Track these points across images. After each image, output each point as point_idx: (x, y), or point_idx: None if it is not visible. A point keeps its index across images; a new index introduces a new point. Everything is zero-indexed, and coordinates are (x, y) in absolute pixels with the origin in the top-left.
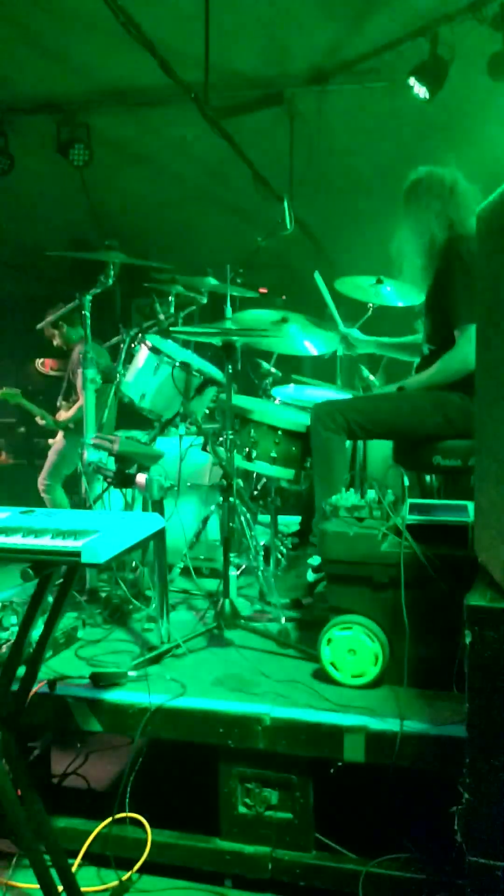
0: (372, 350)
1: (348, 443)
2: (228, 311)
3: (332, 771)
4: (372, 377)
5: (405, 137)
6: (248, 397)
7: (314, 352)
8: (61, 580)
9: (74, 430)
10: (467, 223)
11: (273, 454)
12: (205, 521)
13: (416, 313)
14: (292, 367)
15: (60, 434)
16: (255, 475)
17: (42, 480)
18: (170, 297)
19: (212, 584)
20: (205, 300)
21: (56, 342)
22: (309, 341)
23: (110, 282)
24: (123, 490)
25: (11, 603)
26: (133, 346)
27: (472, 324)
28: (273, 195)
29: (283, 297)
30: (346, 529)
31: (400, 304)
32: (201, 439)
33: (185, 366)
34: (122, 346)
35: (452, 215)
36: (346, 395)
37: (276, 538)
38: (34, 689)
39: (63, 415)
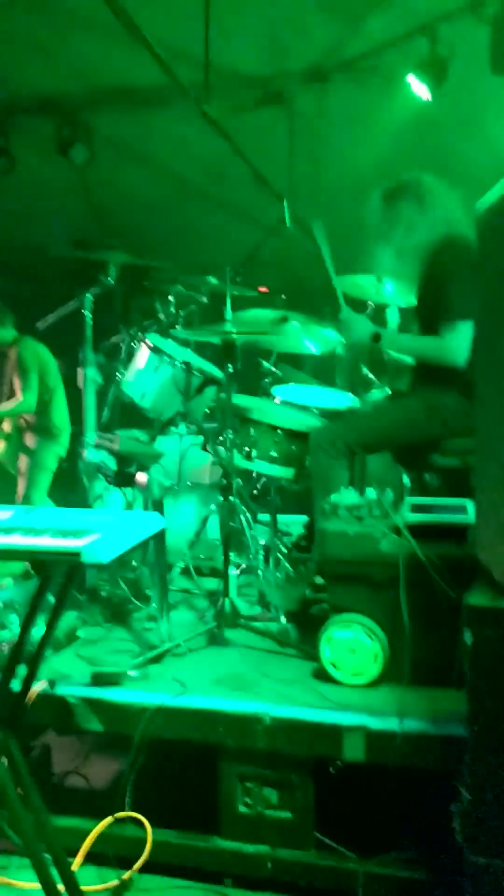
0: (398, 351)
1: None
2: (228, 310)
3: (332, 770)
4: (371, 376)
5: (405, 136)
6: (249, 396)
7: (314, 350)
8: (62, 579)
9: (35, 432)
10: (456, 224)
11: (273, 453)
12: (205, 520)
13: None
14: (292, 366)
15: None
16: (255, 474)
17: (22, 499)
18: (170, 297)
19: (212, 584)
20: (205, 300)
21: None
22: (309, 340)
23: (111, 282)
24: (123, 489)
25: (12, 602)
26: (133, 345)
27: (462, 321)
28: (273, 195)
29: (283, 297)
30: (346, 529)
31: (400, 303)
32: (201, 438)
33: (186, 365)
34: (122, 345)
35: (440, 216)
36: (345, 397)
37: (276, 538)
38: (35, 688)
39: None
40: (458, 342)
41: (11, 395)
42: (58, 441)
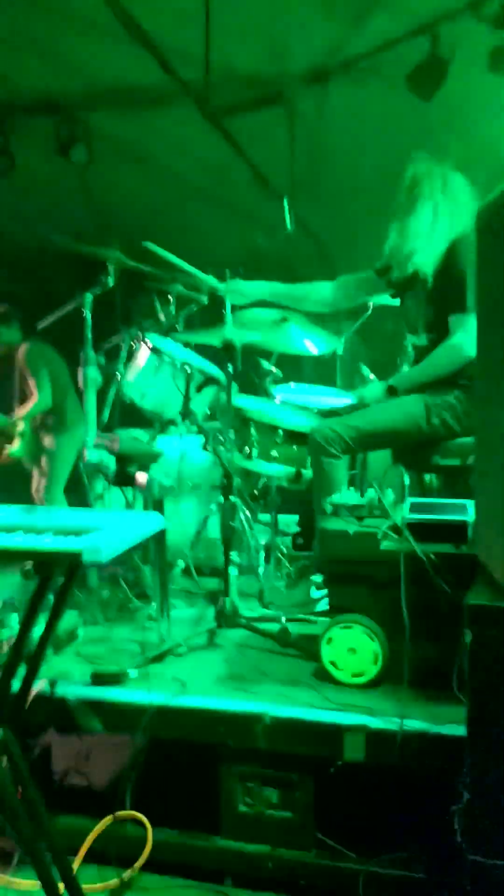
0: (264, 297)
1: None
2: (228, 311)
3: (332, 770)
4: (372, 376)
5: (405, 136)
6: (249, 396)
7: (314, 351)
8: (63, 579)
9: (52, 431)
10: (464, 217)
11: (273, 453)
12: (205, 520)
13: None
14: (292, 366)
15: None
16: (255, 474)
17: (40, 496)
18: (170, 297)
19: (212, 584)
20: (205, 300)
21: None
22: (309, 340)
23: (110, 282)
24: (123, 489)
25: (13, 601)
26: (133, 345)
27: (472, 314)
28: (273, 195)
29: None
30: (347, 528)
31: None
32: (202, 438)
33: (186, 365)
34: (122, 345)
35: (463, 207)
36: (346, 397)
37: (276, 537)
38: (35, 687)
39: (19, 412)
40: (468, 337)
41: (24, 396)
42: (73, 434)
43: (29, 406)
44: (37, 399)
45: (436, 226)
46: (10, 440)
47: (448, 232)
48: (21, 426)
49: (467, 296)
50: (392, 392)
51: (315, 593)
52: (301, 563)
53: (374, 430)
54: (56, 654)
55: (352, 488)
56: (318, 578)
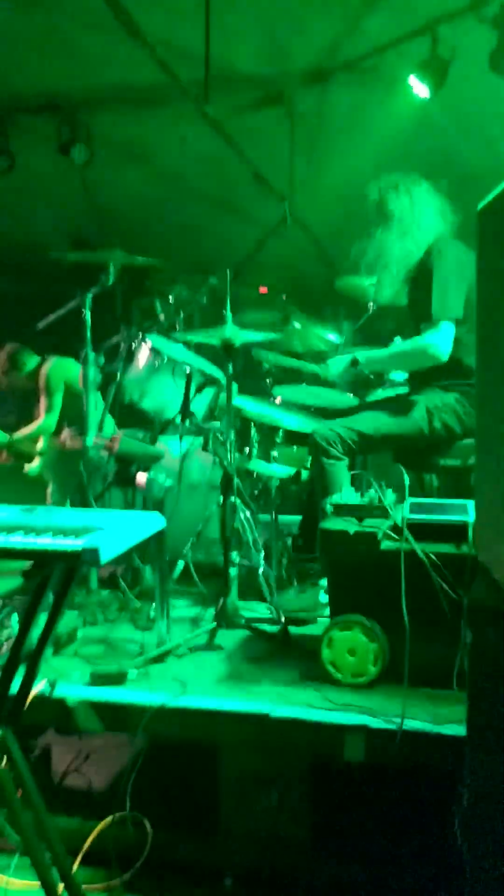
0: (382, 368)
1: None
2: (229, 311)
3: (332, 771)
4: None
5: (405, 136)
6: (249, 397)
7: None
8: (62, 578)
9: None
10: (435, 225)
11: (273, 453)
12: (205, 520)
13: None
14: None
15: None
16: (255, 474)
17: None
18: (170, 297)
19: (212, 584)
20: (205, 300)
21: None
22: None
23: (111, 281)
24: (124, 489)
25: (12, 601)
26: (133, 345)
27: (444, 320)
28: (273, 195)
29: (284, 297)
30: (347, 529)
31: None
32: (201, 439)
33: (186, 365)
34: (122, 345)
35: (421, 222)
36: (345, 399)
37: (276, 538)
38: (35, 688)
39: (23, 431)
40: (437, 340)
41: (35, 416)
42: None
43: (31, 428)
44: (41, 422)
45: (406, 239)
46: (29, 459)
47: (418, 241)
48: (40, 444)
49: (434, 304)
50: (355, 364)
51: (324, 597)
52: (302, 566)
53: (377, 434)
54: (56, 654)
55: (352, 488)
56: (325, 583)
